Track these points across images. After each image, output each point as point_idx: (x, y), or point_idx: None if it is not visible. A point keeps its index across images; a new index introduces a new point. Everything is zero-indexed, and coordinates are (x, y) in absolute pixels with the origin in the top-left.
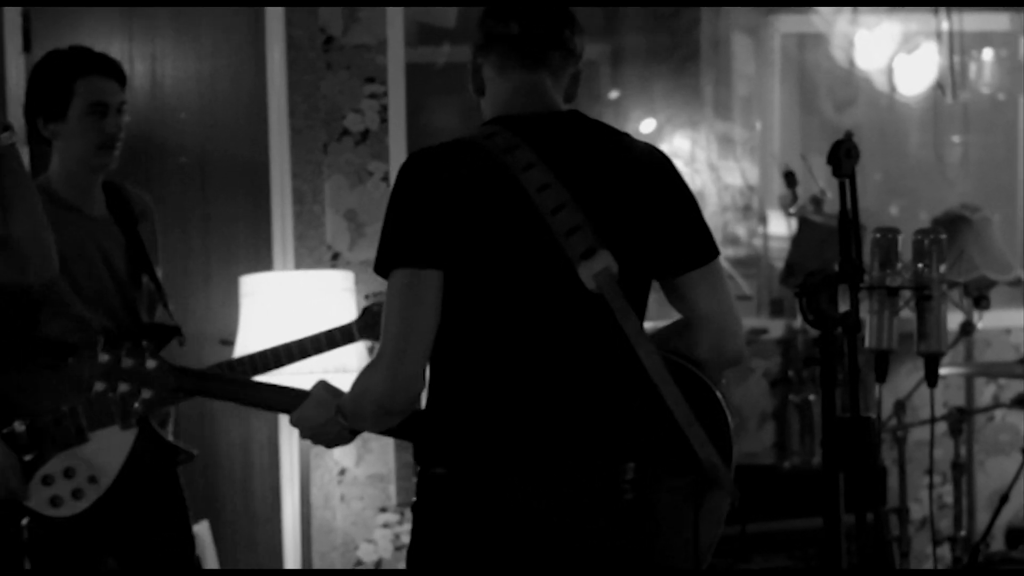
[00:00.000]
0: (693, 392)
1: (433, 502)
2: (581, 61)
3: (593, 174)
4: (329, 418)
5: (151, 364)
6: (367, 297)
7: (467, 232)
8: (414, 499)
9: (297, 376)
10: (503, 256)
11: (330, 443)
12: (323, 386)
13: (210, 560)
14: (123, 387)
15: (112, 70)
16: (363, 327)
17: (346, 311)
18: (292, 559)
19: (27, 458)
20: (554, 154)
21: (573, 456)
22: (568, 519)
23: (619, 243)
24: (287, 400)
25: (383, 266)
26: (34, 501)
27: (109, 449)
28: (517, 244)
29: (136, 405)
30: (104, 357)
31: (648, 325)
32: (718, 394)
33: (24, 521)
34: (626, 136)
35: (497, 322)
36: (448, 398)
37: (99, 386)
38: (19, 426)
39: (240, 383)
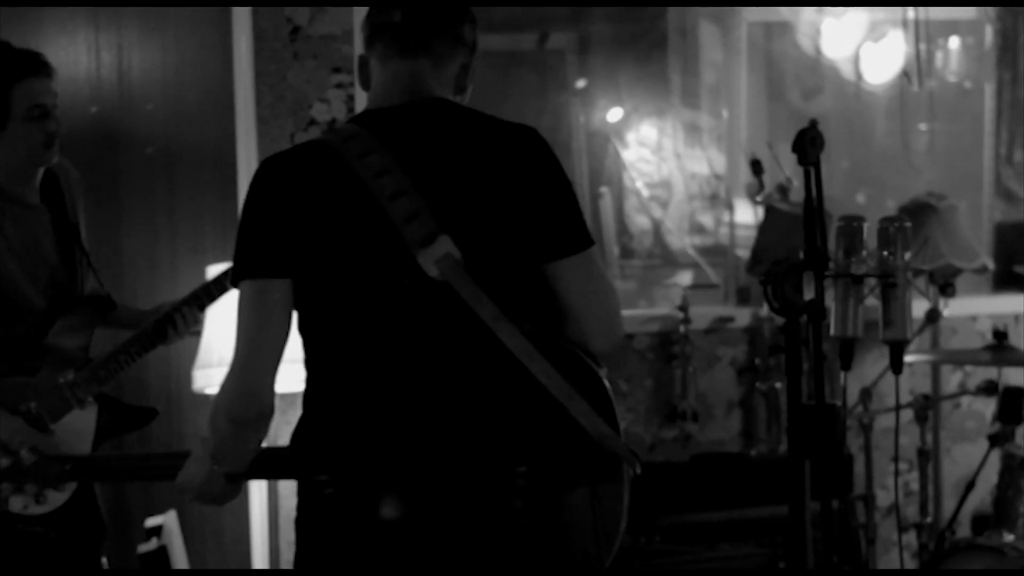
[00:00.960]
0: (572, 370)
1: (315, 511)
2: (474, 53)
3: (440, 159)
4: (208, 471)
5: (27, 458)
6: None
7: (309, 235)
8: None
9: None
10: (346, 252)
11: (217, 499)
12: (199, 442)
13: (177, 550)
14: (4, 487)
15: (44, 68)
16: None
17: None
18: (259, 549)
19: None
20: (397, 141)
21: (453, 457)
22: (453, 525)
23: (467, 228)
24: (171, 463)
25: (233, 277)
26: (18, 505)
27: (76, 432)
28: (357, 237)
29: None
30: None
31: None
32: (598, 371)
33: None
34: (494, 120)
35: (351, 321)
36: (318, 404)
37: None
38: None
39: (122, 459)
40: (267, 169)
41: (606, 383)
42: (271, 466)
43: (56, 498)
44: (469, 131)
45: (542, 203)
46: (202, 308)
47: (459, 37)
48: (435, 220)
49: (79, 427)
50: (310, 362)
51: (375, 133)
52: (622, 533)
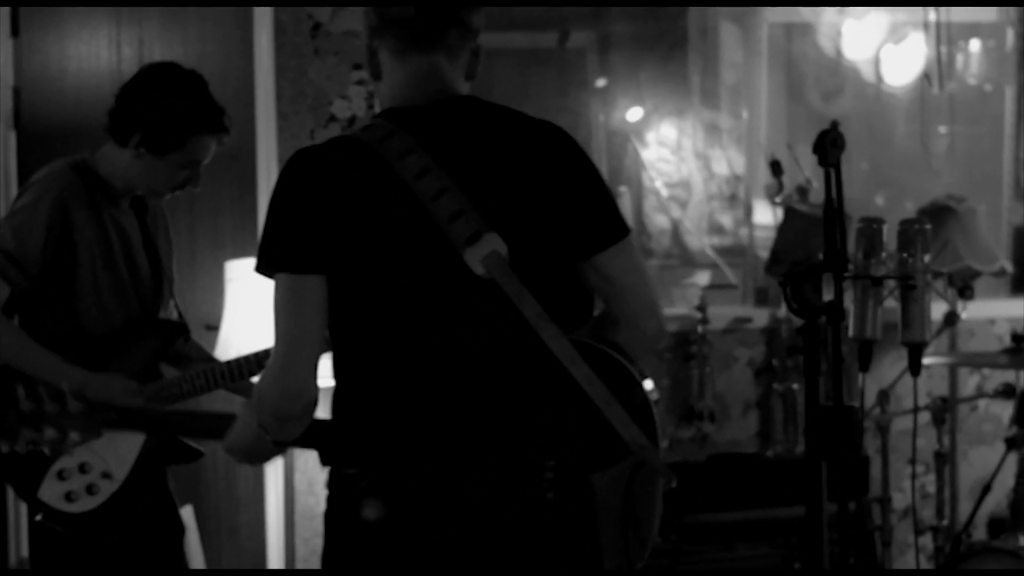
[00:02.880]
0: (611, 374)
1: (346, 503)
2: (479, 37)
3: (479, 157)
4: (255, 435)
5: (74, 407)
6: None
7: (348, 233)
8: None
9: None
10: (387, 251)
11: (263, 460)
12: (244, 405)
13: (193, 545)
14: (49, 432)
15: (224, 131)
16: None
17: None
18: (275, 544)
19: (46, 451)
20: (435, 139)
21: (486, 453)
22: (486, 520)
23: (511, 226)
24: (218, 425)
25: (265, 267)
26: (48, 495)
27: (121, 446)
28: (400, 236)
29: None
30: (28, 405)
31: None
32: (639, 377)
33: (37, 517)
34: (523, 117)
35: (390, 319)
36: (352, 399)
37: (27, 433)
38: None
39: (170, 414)
40: (304, 161)
41: (648, 393)
42: (322, 436)
43: (87, 501)
44: (502, 129)
45: (580, 197)
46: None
47: (469, 26)
48: (479, 218)
49: (125, 443)
50: (343, 360)
51: (412, 133)
52: (653, 539)
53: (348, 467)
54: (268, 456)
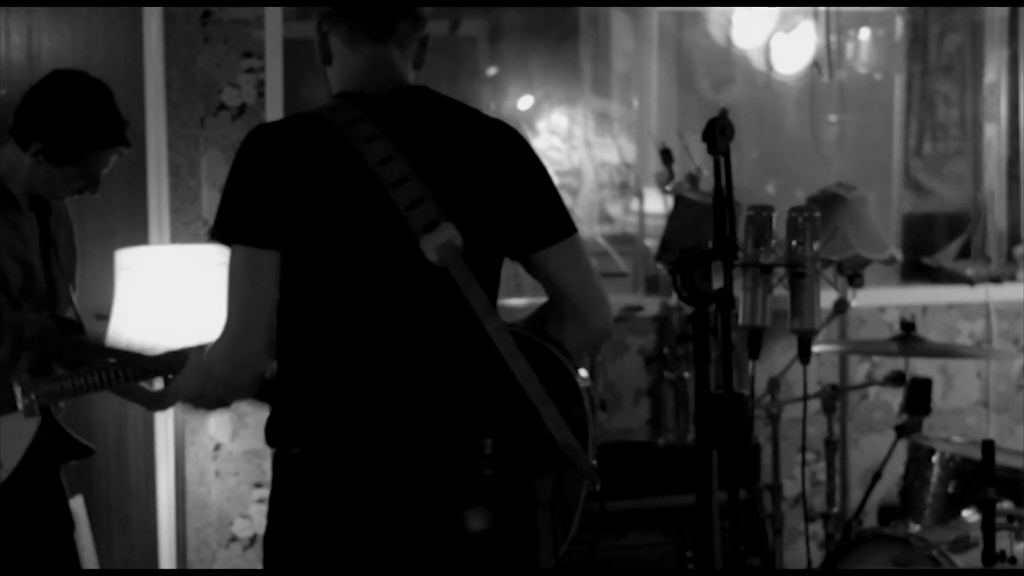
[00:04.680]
0: (548, 372)
1: (289, 482)
2: (427, 26)
3: (438, 148)
4: (203, 382)
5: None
6: None
7: (307, 209)
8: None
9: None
10: (345, 232)
11: (212, 406)
12: (196, 350)
13: (84, 536)
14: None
15: (124, 143)
16: None
17: (221, 285)
18: (167, 534)
19: None
20: (397, 128)
21: (428, 432)
22: (427, 496)
23: (465, 217)
24: (164, 366)
25: (222, 236)
26: None
27: (11, 436)
28: (358, 219)
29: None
30: None
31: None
32: (575, 375)
33: None
34: (476, 112)
35: (341, 298)
36: (298, 377)
37: None
38: None
39: (118, 351)
40: (269, 135)
41: (584, 393)
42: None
43: None
44: (458, 123)
45: (531, 194)
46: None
47: (419, 17)
48: (438, 207)
49: (15, 433)
50: (290, 339)
51: (374, 120)
52: (573, 533)
53: (292, 447)
54: (216, 403)
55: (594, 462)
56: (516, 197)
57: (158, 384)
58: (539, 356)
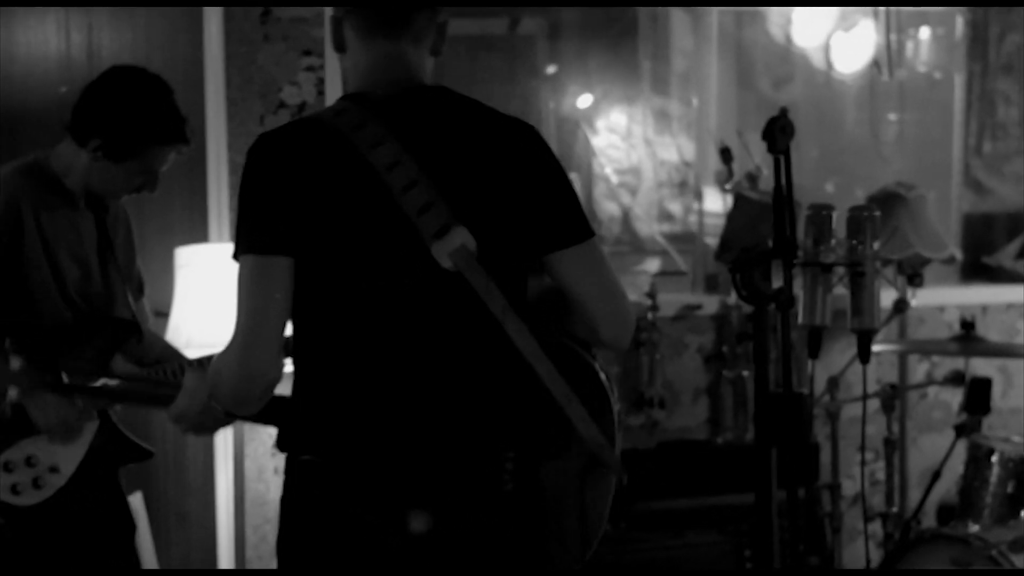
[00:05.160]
0: (572, 370)
1: (301, 490)
2: (443, 13)
3: (449, 150)
4: (205, 406)
5: (15, 364)
6: None
7: (315, 216)
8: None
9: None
10: (355, 239)
11: (210, 430)
12: (193, 375)
13: (143, 532)
14: None
15: (184, 142)
16: None
17: None
18: (225, 531)
19: None
20: (406, 130)
21: (445, 443)
22: (444, 510)
23: (478, 219)
24: (162, 395)
25: (235, 250)
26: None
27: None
28: (368, 226)
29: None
30: None
31: None
32: (600, 373)
33: None
34: (492, 112)
35: (355, 307)
36: (313, 385)
37: None
38: None
39: (109, 390)
40: (267, 143)
41: (607, 389)
42: (278, 414)
43: (33, 495)
44: (472, 123)
45: (545, 195)
46: None
47: (434, 8)
48: (449, 211)
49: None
50: (304, 346)
51: (382, 122)
52: (600, 535)
53: (304, 453)
54: (215, 427)
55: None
56: (529, 197)
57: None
58: (562, 356)
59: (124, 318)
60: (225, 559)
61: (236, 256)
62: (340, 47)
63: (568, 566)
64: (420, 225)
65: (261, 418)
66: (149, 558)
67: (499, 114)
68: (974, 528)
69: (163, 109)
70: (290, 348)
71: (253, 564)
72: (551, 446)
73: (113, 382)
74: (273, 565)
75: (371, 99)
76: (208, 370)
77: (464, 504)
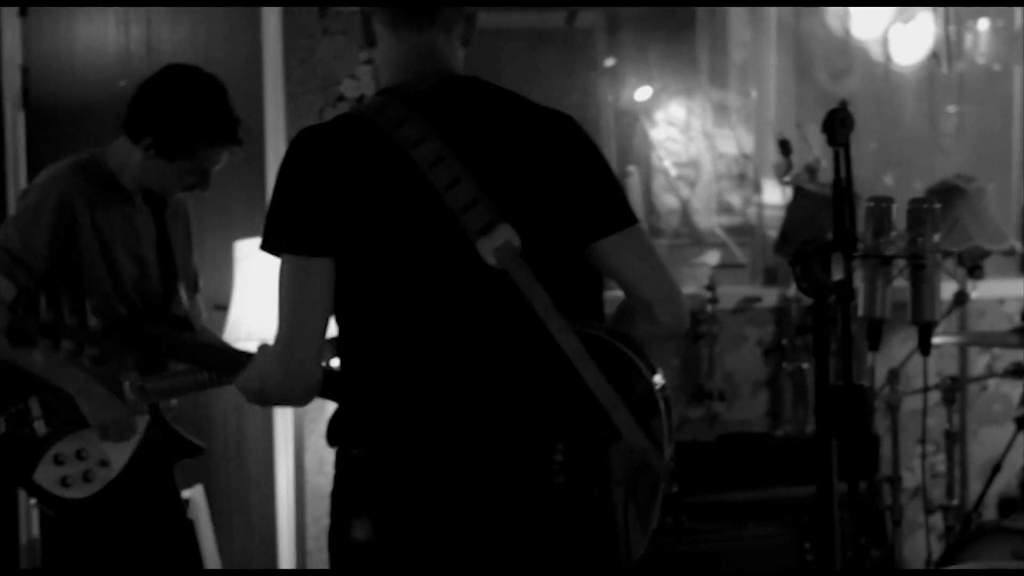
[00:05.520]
0: (620, 372)
1: (351, 484)
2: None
3: (490, 144)
4: (263, 389)
5: (93, 322)
6: None
7: (358, 216)
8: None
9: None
10: (400, 237)
11: (279, 403)
12: (261, 348)
13: (204, 525)
14: (66, 344)
15: (237, 141)
16: None
17: None
18: (286, 524)
19: (42, 433)
20: (447, 126)
21: (494, 438)
22: (494, 504)
23: (522, 215)
24: (231, 363)
25: (272, 247)
26: (44, 479)
27: None
28: (413, 224)
29: (127, 385)
30: (48, 315)
31: None
32: (646, 371)
33: (32, 502)
34: (527, 102)
35: (402, 304)
36: (360, 380)
37: (43, 343)
38: (34, 403)
39: (184, 343)
40: (314, 139)
41: (658, 392)
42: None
43: (83, 488)
44: (510, 115)
45: (587, 184)
46: None
47: None
48: (493, 208)
49: None
50: (350, 342)
51: (423, 118)
52: (651, 533)
53: (353, 448)
54: (278, 404)
55: (671, 461)
56: (571, 187)
57: None
58: (608, 354)
59: (177, 315)
60: (286, 551)
61: (273, 251)
62: (371, 41)
63: (620, 560)
64: (465, 222)
65: (327, 394)
66: (210, 549)
67: (535, 105)
68: None
69: (216, 109)
70: (334, 349)
71: (313, 556)
72: (604, 438)
73: (188, 342)
74: None
75: (409, 93)
76: (254, 366)
77: (513, 497)
